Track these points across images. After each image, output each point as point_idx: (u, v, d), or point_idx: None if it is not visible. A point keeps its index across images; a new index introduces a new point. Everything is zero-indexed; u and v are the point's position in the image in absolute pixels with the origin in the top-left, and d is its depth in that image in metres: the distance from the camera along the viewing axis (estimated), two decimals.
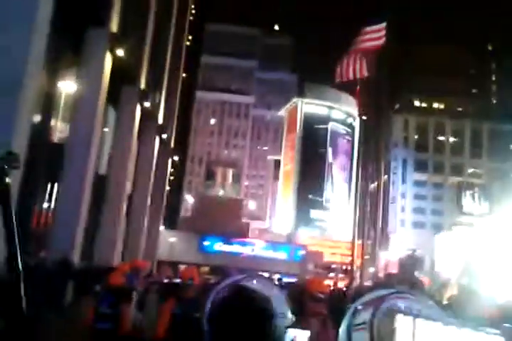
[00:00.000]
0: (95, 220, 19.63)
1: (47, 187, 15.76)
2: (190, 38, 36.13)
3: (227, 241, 48.82)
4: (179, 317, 4.80)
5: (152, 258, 27.02)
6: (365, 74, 21.55)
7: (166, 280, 12.28)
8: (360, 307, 3.54)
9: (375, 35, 21.07)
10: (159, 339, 5.07)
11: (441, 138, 79.99)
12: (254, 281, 4.21)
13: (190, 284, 5.22)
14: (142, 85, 20.91)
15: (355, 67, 21.29)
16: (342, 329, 3.49)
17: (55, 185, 15.86)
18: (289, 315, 3.98)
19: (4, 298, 1.70)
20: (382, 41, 20.90)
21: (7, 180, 1.69)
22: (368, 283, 21.69)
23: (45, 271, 13.14)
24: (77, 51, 15.38)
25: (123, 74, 18.45)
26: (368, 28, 21.26)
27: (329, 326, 3.88)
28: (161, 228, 34.13)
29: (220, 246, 48.46)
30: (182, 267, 21.82)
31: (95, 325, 5.73)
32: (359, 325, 3.54)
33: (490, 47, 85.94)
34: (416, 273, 36.55)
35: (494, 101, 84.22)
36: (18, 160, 1.80)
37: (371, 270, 34.61)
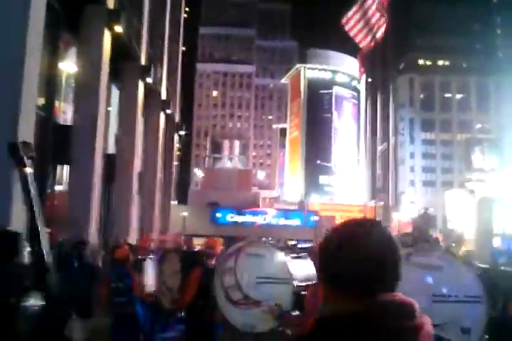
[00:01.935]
0: (108, 199, 19.76)
1: (57, 169, 15.80)
2: (187, 9, 35.50)
3: (239, 212, 49.17)
4: (204, 286, 4.82)
5: (166, 233, 27.32)
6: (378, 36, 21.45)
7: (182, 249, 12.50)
8: None
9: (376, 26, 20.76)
10: (183, 308, 5.12)
11: (447, 95, 79.15)
12: (258, 248, 4.30)
13: (213, 253, 5.35)
14: (143, 61, 20.65)
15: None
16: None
17: (65, 167, 15.89)
18: (293, 281, 4.02)
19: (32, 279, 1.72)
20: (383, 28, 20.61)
21: (28, 170, 1.70)
22: None
23: (63, 253, 13.30)
24: (75, 30, 15.14)
25: (123, 51, 18.20)
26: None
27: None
28: (173, 203, 34.38)
29: (231, 218, 48.85)
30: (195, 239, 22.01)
31: (112, 300, 5.82)
32: None
33: (494, 0, 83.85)
34: (429, 231, 36.80)
35: (500, 55, 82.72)
36: (33, 150, 1.81)
37: None
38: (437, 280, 3.49)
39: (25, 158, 1.77)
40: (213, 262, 5.24)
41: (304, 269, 4.34)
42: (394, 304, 1.16)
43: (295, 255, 4.63)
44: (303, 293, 3.99)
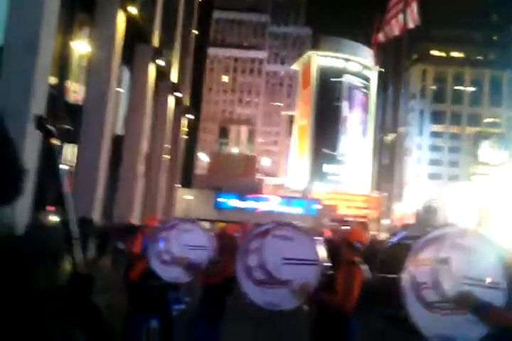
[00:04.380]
0: (113, 180, 19.97)
1: (65, 148, 15.98)
2: None
3: (242, 198, 49.28)
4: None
5: (170, 215, 27.55)
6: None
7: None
8: (422, 245, 3.66)
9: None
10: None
11: (459, 87, 78.39)
12: (286, 231, 4.50)
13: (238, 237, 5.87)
14: (155, 43, 20.72)
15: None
16: (406, 266, 3.61)
17: (74, 146, 16.07)
18: (323, 262, 4.25)
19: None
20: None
21: (56, 141, 1.83)
22: (385, 234, 22.06)
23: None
24: (89, 10, 15.24)
25: (136, 33, 18.29)
26: None
27: (358, 273, 4.08)
28: (177, 186, 34.55)
29: (235, 203, 48.99)
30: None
31: (146, 282, 5.90)
32: (423, 261, 3.65)
33: None
34: (432, 224, 36.91)
35: None
36: (67, 122, 1.98)
37: (386, 222, 34.99)
38: (469, 263, 3.36)
39: (53, 130, 1.87)
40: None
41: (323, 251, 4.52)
42: None
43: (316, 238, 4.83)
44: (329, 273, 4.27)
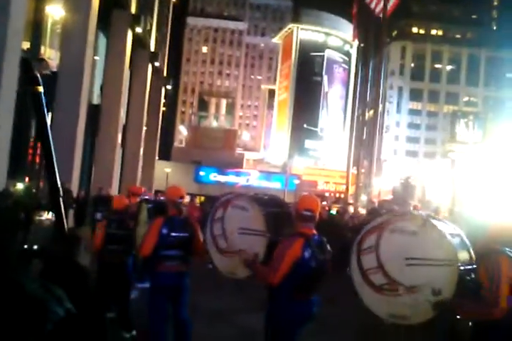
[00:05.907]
0: (91, 150, 19.58)
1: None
2: None
3: (222, 172, 49.20)
4: (164, 236, 4.76)
5: (149, 188, 27.29)
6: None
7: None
8: (364, 234, 3.80)
9: None
10: (145, 258, 5.07)
11: (437, 65, 78.66)
12: (243, 201, 4.53)
13: (178, 202, 5.08)
14: (133, 9, 20.06)
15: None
16: (352, 255, 3.74)
17: (49, 114, 15.59)
18: (268, 233, 4.19)
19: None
20: None
21: (41, 89, 1.71)
22: (362, 209, 22.19)
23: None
24: None
25: None
26: None
27: (295, 247, 3.74)
28: (156, 158, 34.20)
29: (215, 177, 48.90)
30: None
31: (106, 247, 6.07)
32: (366, 249, 3.73)
33: None
34: (409, 199, 37.33)
35: (494, 28, 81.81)
36: (48, 67, 1.83)
37: (364, 198, 35.24)
38: (412, 245, 3.57)
39: (39, 76, 1.76)
40: (176, 212, 5.05)
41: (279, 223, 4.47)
42: None
43: (275, 209, 4.67)
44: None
